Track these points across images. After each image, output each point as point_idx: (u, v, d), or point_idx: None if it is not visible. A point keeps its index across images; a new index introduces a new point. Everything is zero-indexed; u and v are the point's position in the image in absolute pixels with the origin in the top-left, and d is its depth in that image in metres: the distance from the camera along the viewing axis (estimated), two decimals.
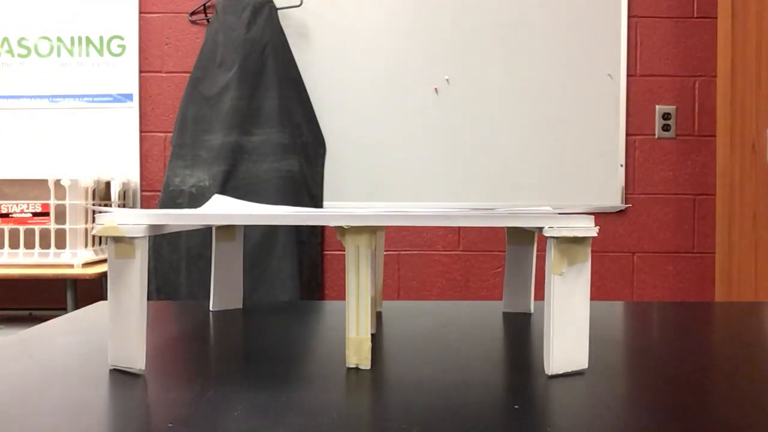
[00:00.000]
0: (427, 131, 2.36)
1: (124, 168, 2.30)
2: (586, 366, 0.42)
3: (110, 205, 2.20)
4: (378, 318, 0.60)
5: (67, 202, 1.98)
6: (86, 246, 2.05)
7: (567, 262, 0.41)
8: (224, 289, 0.63)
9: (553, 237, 0.40)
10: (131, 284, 0.41)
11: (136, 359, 0.41)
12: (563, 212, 0.41)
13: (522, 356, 0.47)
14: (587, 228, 0.40)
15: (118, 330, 0.42)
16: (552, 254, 0.40)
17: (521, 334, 0.54)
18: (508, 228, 0.61)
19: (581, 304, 0.41)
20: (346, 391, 0.38)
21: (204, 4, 2.36)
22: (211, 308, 0.63)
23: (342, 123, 2.32)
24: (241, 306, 0.65)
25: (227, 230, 0.62)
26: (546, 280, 0.41)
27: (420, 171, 2.33)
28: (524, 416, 0.34)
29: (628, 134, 2.38)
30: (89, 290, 2.33)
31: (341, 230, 0.41)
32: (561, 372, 0.41)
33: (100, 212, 0.42)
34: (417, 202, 2.25)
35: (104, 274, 1.98)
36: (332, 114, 2.33)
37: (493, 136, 2.35)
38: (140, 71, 2.30)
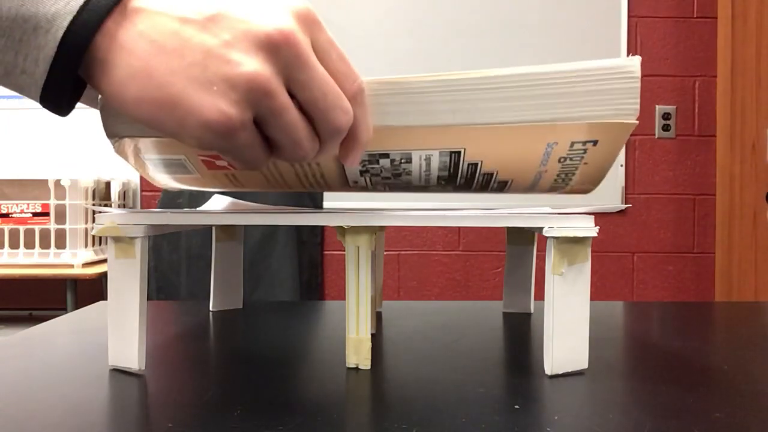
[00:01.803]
0: None
1: (124, 168, 2.29)
2: (586, 366, 0.42)
3: (110, 205, 2.20)
4: (378, 318, 0.60)
5: (67, 202, 1.98)
6: (86, 246, 2.05)
7: (567, 263, 0.40)
8: (224, 289, 0.63)
9: (553, 237, 0.40)
10: (131, 284, 0.41)
11: (136, 359, 0.41)
12: (563, 212, 0.41)
13: (522, 356, 0.47)
14: (587, 228, 0.40)
15: (118, 330, 0.42)
16: (552, 254, 0.40)
17: (521, 334, 0.54)
18: (508, 228, 0.61)
19: (581, 305, 0.41)
20: (346, 391, 0.38)
21: None
22: (210, 308, 0.63)
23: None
24: (241, 306, 0.65)
25: (227, 230, 0.62)
26: (546, 281, 0.41)
27: None
28: (524, 416, 0.34)
29: None
30: (89, 290, 2.33)
31: (341, 230, 0.41)
32: (561, 372, 0.41)
33: (100, 212, 0.42)
34: (417, 203, 2.25)
35: (104, 274, 1.98)
36: None
37: None
38: None
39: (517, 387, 0.39)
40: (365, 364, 0.43)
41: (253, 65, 0.32)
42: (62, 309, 2.31)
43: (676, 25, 2.36)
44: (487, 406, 0.35)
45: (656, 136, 2.36)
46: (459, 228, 2.30)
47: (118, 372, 0.42)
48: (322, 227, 2.39)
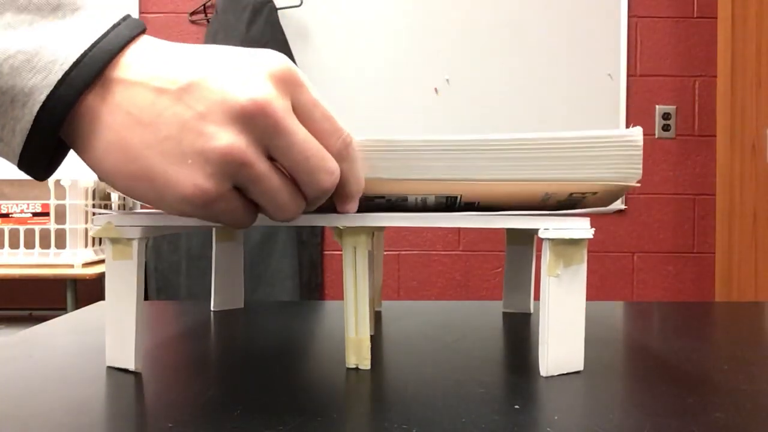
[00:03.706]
0: (427, 131, 2.36)
1: None
2: (581, 368, 0.42)
3: (110, 206, 2.20)
4: (377, 318, 0.60)
5: (67, 202, 1.98)
6: (86, 246, 2.05)
7: (563, 264, 0.40)
8: (225, 289, 0.63)
9: (549, 239, 0.40)
10: (128, 285, 0.41)
11: (133, 360, 0.42)
12: (559, 213, 0.41)
13: (522, 356, 0.47)
14: (583, 230, 0.40)
15: (115, 331, 0.42)
16: (547, 256, 0.40)
17: (521, 334, 0.54)
18: (508, 228, 0.61)
19: (577, 307, 0.41)
20: (346, 391, 0.38)
21: (204, 4, 2.36)
22: (212, 308, 0.63)
23: (342, 123, 2.33)
24: (242, 306, 0.65)
25: (227, 230, 0.62)
26: (541, 282, 0.41)
27: None
28: (524, 416, 0.34)
29: None
30: (89, 290, 2.33)
31: (338, 231, 0.41)
32: (556, 374, 0.41)
33: (98, 214, 0.42)
34: None
35: (104, 274, 1.98)
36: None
37: None
38: None
39: (517, 387, 0.39)
40: (365, 364, 0.43)
41: (226, 138, 0.31)
42: (62, 309, 2.31)
43: (676, 25, 2.36)
44: (487, 406, 0.35)
45: (656, 136, 2.36)
46: (459, 228, 2.30)
47: (118, 372, 0.42)
48: (322, 227, 2.39)
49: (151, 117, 0.32)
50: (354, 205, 0.38)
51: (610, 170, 0.40)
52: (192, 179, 0.31)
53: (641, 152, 0.40)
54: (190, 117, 0.32)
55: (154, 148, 0.32)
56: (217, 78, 0.32)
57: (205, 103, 0.32)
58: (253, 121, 0.32)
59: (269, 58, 0.34)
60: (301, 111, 0.34)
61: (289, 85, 0.34)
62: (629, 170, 0.40)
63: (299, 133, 0.33)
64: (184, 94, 0.32)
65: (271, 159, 0.34)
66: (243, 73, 0.33)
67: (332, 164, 0.35)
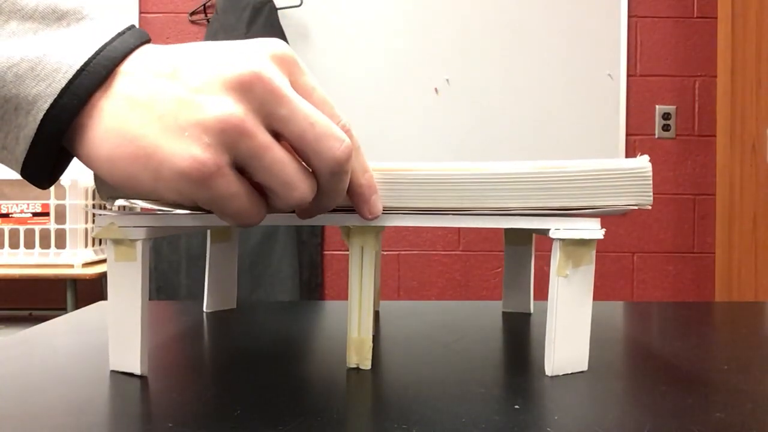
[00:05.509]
0: (427, 131, 2.36)
1: None
2: (585, 368, 0.42)
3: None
4: (376, 318, 0.60)
5: (67, 202, 1.98)
6: (86, 246, 2.05)
7: (572, 264, 0.40)
8: (218, 290, 0.63)
9: (559, 239, 0.40)
10: (132, 288, 0.40)
11: (138, 365, 0.41)
12: (569, 214, 0.40)
13: (522, 356, 0.47)
14: (593, 230, 0.40)
15: (119, 335, 0.41)
16: (557, 256, 0.40)
17: (521, 334, 0.54)
18: (506, 228, 0.61)
19: (584, 307, 0.41)
20: (346, 391, 0.38)
21: (204, 4, 2.36)
22: (204, 309, 0.63)
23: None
24: (234, 306, 0.65)
25: (222, 231, 0.62)
26: (550, 283, 0.41)
27: None
28: (524, 416, 0.34)
29: (628, 134, 2.38)
30: (89, 290, 2.33)
31: (346, 230, 0.41)
32: (561, 374, 0.41)
33: (100, 214, 0.41)
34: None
35: (104, 274, 1.98)
36: None
37: (493, 136, 2.35)
38: None
39: (517, 387, 0.39)
40: (366, 364, 0.43)
41: (223, 106, 0.31)
42: (62, 309, 2.31)
43: (676, 25, 2.36)
44: (487, 406, 0.35)
45: (656, 136, 2.36)
46: (459, 228, 2.30)
47: (118, 372, 0.42)
48: (322, 227, 2.39)
49: (148, 97, 0.32)
50: (375, 206, 0.37)
51: (622, 199, 0.40)
52: (189, 151, 0.31)
53: (651, 181, 0.40)
54: (186, 91, 0.32)
55: (151, 126, 0.31)
56: (215, 57, 0.32)
57: (201, 78, 0.32)
58: (251, 89, 0.31)
59: (268, 42, 0.34)
60: (299, 90, 0.34)
61: (287, 64, 0.33)
62: (640, 198, 0.40)
63: (301, 101, 0.33)
64: (180, 73, 0.32)
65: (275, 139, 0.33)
66: (240, 51, 0.33)
67: (341, 133, 0.33)
